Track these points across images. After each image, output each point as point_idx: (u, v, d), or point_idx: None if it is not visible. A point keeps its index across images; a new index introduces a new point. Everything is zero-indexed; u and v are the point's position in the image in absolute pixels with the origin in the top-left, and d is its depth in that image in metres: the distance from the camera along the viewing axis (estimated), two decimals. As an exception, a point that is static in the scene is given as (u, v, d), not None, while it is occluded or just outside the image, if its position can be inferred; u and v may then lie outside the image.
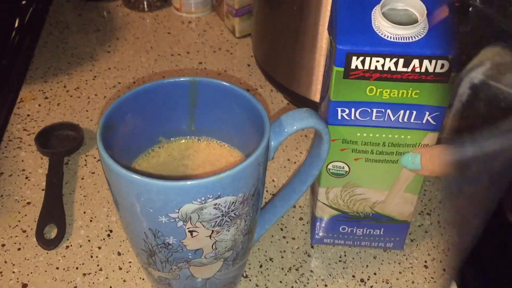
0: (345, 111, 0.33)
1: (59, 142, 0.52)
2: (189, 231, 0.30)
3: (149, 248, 0.32)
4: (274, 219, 0.38)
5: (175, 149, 0.37)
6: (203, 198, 0.28)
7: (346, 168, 0.37)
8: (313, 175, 0.36)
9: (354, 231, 0.41)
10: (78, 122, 0.55)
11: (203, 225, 0.30)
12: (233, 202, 0.29)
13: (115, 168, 0.28)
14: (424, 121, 0.33)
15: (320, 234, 0.42)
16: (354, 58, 0.31)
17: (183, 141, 0.37)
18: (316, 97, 0.53)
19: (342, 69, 0.31)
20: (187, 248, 0.31)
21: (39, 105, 0.57)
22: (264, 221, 0.38)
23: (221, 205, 0.29)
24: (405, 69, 0.31)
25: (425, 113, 0.33)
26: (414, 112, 0.33)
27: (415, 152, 0.34)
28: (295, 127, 0.32)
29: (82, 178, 0.49)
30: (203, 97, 0.35)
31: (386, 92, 0.32)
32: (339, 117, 0.34)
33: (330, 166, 0.37)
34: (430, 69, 0.31)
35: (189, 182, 0.27)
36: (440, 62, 0.30)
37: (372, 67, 0.31)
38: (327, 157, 0.35)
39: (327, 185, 0.38)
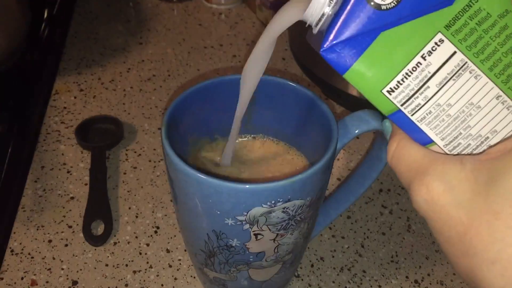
0: None
1: (99, 136, 0.51)
2: (254, 234, 0.29)
3: (210, 249, 0.32)
4: (328, 220, 0.38)
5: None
6: (273, 202, 0.28)
7: None
8: (372, 177, 0.35)
9: None
10: (116, 115, 0.54)
11: (269, 229, 0.29)
12: (300, 206, 0.29)
13: (183, 168, 0.28)
14: None
15: None
16: None
17: (238, 140, 0.37)
18: (354, 91, 0.53)
19: None
20: (249, 251, 0.31)
21: (75, 97, 0.57)
22: (318, 222, 0.37)
23: (289, 209, 0.28)
24: None
25: None
26: None
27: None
28: (358, 130, 0.31)
29: (125, 173, 0.48)
30: (262, 95, 0.34)
31: None
32: None
33: None
34: None
35: (261, 185, 0.27)
36: None
37: None
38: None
39: None
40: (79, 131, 0.51)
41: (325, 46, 0.23)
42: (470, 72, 0.23)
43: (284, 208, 0.28)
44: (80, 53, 0.64)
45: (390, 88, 0.24)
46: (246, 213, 0.28)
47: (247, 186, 0.27)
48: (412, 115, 0.24)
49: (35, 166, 0.48)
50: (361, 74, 0.23)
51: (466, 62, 0.23)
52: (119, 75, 0.60)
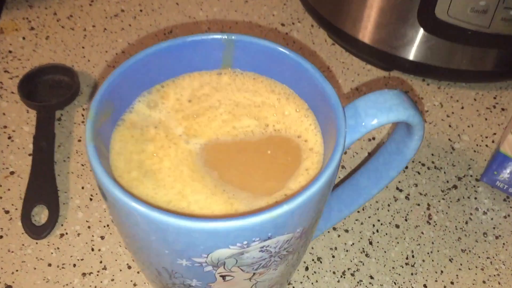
0: None
1: (49, 90, 0.42)
2: (221, 276, 0.21)
3: (163, 285, 0.23)
4: (328, 225, 0.29)
5: (185, 88, 0.25)
6: (245, 242, 0.19)
7: None
8: (390, 177, 0.26)
9: None
10: (72, 62, 0.44)
11: (241, 270, 0.21)
12: (287, 241, 0.20)
13: (116, 195, 0.19)
14: None
15: (496, 174, 0.36)
16: None
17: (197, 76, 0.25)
18: (365, 37, 0.43)
19: None
20: (217, 289, 0.22)
21: (24, 38, 0.46)
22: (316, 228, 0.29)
23: (271, 247, 0.20)
24: None
25: None
26: None
27: None
28: (376, 121, 0.21)
29: (79, 140, 0.39)
30: (241, 63, 0.24)
31: None
32: None
33: None
34: None
35: (226, 223, 0.18)
36: None
37: None
38: (413, 157, 0.24)
39: None
40: (24, 85, 0.41)
41: None
42: None
43: (262, 248, 0.19)
44: (33, -21, 0.52)
45: None
46: (206, 256, 0.19)
47: (203, 225, 0.18)
48: None
49: (-32, 130, 0.39)
50: None
51: None
52: (79, 9, 0.49)
